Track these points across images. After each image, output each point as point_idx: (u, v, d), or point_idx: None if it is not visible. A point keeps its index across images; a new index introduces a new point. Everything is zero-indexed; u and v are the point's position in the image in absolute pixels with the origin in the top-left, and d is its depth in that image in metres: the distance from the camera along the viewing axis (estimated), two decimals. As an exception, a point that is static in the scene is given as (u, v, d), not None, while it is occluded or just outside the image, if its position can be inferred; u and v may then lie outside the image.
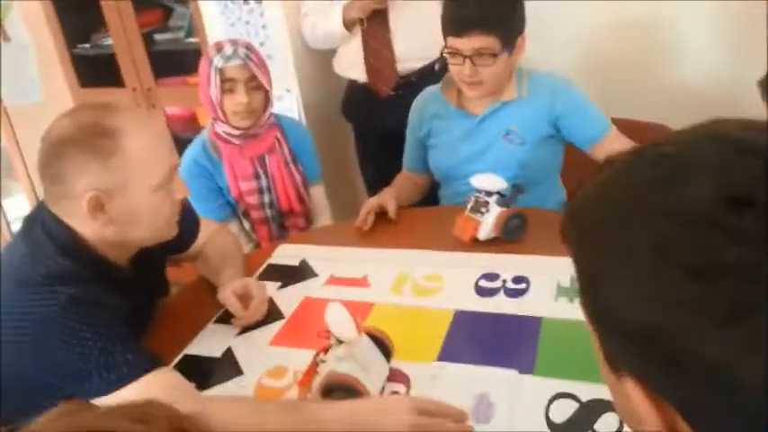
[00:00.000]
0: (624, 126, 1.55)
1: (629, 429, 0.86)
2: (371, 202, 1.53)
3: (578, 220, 0.45)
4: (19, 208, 2.96)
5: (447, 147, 1.61)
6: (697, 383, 0.37)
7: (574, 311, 1.12)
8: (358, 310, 1.18)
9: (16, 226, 2.74)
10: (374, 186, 2.14)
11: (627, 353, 0.41)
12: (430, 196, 1.75)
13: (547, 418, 0.91)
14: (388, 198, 1.54)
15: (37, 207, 1.10)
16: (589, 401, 0.93)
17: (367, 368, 0.97)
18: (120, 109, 1.02)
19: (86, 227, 1.02)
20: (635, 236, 0.39)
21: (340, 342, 0.98)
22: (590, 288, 0.43)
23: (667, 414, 0.40)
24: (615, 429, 0.88)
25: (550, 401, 0.94)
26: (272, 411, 0.92)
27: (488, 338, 1.11)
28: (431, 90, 1.65)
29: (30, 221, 1.08)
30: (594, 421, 0.90)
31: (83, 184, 0.97)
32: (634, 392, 0.41)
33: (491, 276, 1.26)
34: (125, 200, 1.00)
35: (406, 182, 1.70)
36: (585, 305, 0.44)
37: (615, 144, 1.48)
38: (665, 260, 0.37)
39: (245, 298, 1.22)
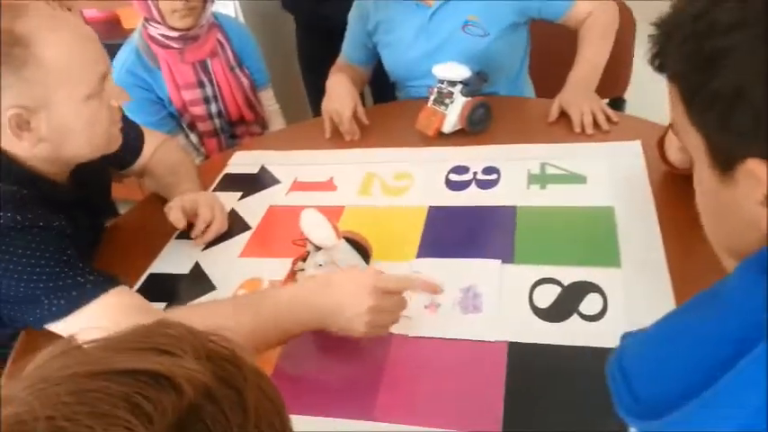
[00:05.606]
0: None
1: (614, 310, 0.88)
2: (344, 109, 1.36)
3: None
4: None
5: (399, 45, 1.48)
6: None
7: (546, 198, 1.12)
8: (328, 215, 1.14)
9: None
10: (314, 87, 2.00)
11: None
12: (387, 97, 1.65)
13: (531, 303, 0.92)
14: (356, 97, 1.40)
15: None
16: (571, 284, 0.94)
17: (349, 272, 0.93)
18: (31, 9, 0.88)
19: (16, 147, 0.92)
20: None
21: (318, 249, 0.94)
22: (707, 67, 0.43)
23: None
24: (600, 309, 0.89)
25: (533, 287, 0.94)
26: (229, 312, 0.85)
27: (466, 231, 1.09)
28: None
29: None
30: (578, 303, 0.90)
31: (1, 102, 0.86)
32: (761, 171, 0.41)
33: (461, 169, 1.23)
34: (52, 115, 0.90)
35: (353, 74, 1.53)
36: (694, 94, 0.45)
37: (586, 4, 1.42)
38: None
39: (195, 216, 1.15)
